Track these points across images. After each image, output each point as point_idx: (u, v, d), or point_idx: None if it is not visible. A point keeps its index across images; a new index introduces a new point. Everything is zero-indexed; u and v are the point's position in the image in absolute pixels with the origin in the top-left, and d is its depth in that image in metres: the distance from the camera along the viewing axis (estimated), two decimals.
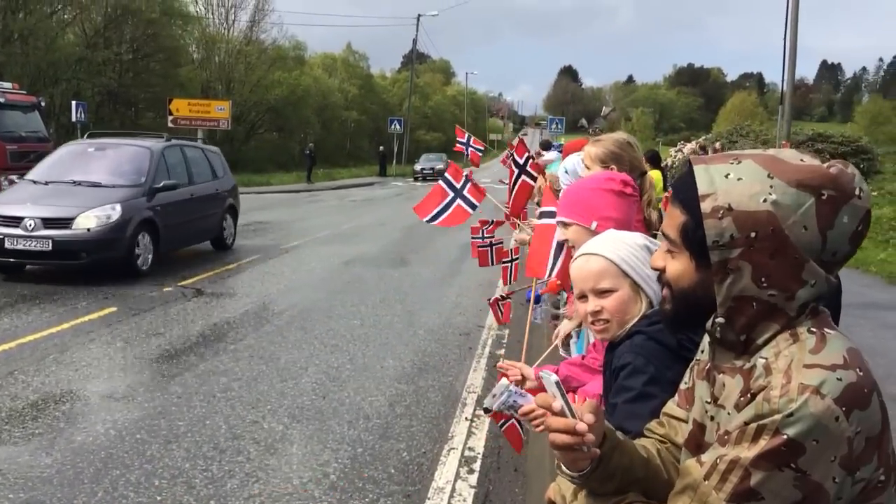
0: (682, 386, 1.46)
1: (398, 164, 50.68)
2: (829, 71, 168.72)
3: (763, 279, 1.17)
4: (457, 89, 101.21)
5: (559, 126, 40.05)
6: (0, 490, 4.07)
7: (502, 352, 7.24)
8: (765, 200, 1.15)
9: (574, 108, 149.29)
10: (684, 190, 1.24)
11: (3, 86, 19.14)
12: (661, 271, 1.31)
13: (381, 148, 50.00)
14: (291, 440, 4.90)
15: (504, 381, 2.21)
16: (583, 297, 1.82)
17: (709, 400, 1.29)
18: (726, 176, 1.19)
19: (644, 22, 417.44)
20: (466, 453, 4.77)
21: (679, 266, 1.26)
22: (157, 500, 4.03)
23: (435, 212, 4.61)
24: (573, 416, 1.28)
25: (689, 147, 29.85)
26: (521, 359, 3.07)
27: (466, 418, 5.39)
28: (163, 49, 42.26)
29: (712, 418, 1.26)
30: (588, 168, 3.04)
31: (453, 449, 4.83)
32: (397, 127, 48.74)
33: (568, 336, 3.88)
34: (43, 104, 20.25)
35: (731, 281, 1.18)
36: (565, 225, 2.40)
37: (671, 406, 1.49)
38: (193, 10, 48.35)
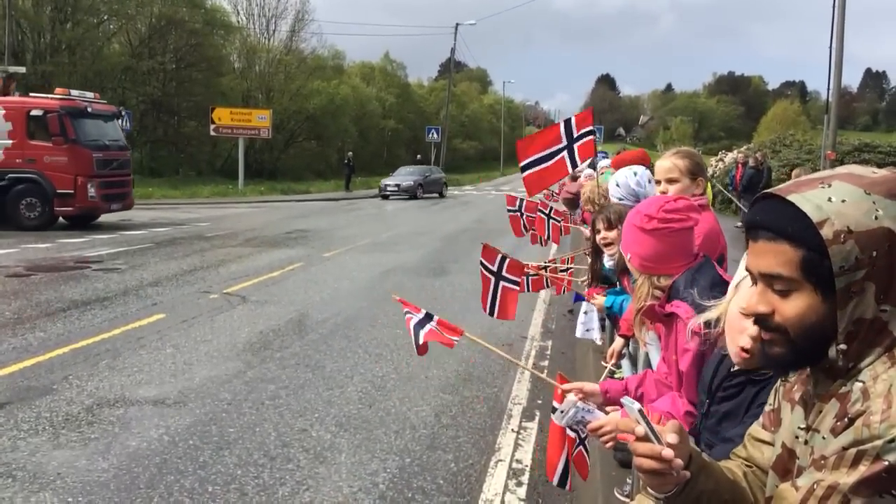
0: (767, 408, 1.45)
1: None
2: (874, 79, 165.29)
3: (882, 296, 1.16)
4: (493, 98, 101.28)
5: (597, 135, 39.94)
6: (60, 494, 4.17)
7: (546, 363, 7.22)
8: (876, 217, 1.15)
9: (611, 117, 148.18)
10: (785, 223, 1.20)
11: (87, 95, 19.84)
12: (767, 316, 1.24)
13: (419, 157, 50.21)
14: (340, 449, 4.94)
15: (571, 396, 2.22)
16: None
17: (802, 426, 1.28)
18: (829, 200, 1.18)
19: (685, 30, 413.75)
20: (514, 465, 4.77)
21: (801, 303, 1.21)
22: None
23: (489, 302, 4.62)
24: (658, 441, 1.29)
25: (730, 156, 29.48)
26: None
27: (513, 430, 5.38)
28: (205, 59, 43.05)
29: (806, 442, 1.26)
30: (676, 181, 3.09)
31: (501, 461, 4.83)
32: (435, 136, 48.95)
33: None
34: (123, 113, 20.89)
35: (855, 304, 1.17)
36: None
37: (756, 428, 1.48)
38: (235, 20, 49.22)
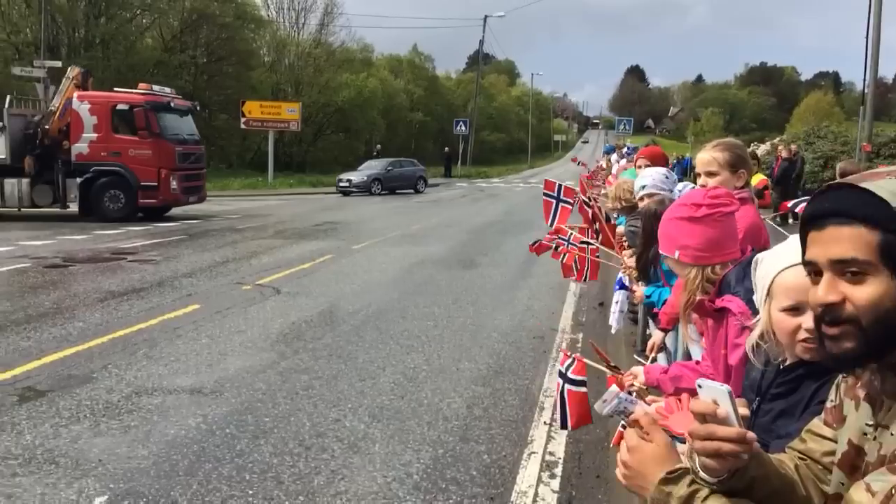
0: (829, 404, 1.44)
1: (463, 166, 50.83)
2: None
3: None
4: (521, 90, 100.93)
5: (627, 127, 39.57)
6: (102, 480, 4.27)
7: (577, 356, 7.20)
8: None
9: (640, 109, 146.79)
10: (860, 207, 1.18)
11: (165, 91, 20.37)
12: (837, 306, 1.20)
13: (447, 149, 50.21)
14: (373, 439, 4.99)
15: (614, 387, 2.23)
16: (794, 310, 1.73)
17: (871, 423, 1.27)
18: None
19: (716, 20, 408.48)
20: (547, 458, 4.78)
21: (876, 289, 1.17)
22: (248, 494, 4.16)
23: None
24: (740, 423, 1.27)
25: (762, 148, 29.10)
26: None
27: (545, 423, 5.39)
28: (235, 52, 43.40)
29: (874, 439, 1.25)
30: (716, 174, 3.06)
31: (534, 453, 4.85)
32: (463, 128, 48.90)
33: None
34: (198, 108, 21.53)
35: None
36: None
37: (816, 423, 1.47)
38: (265, 14, 49.53)
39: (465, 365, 6.74)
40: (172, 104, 19.68)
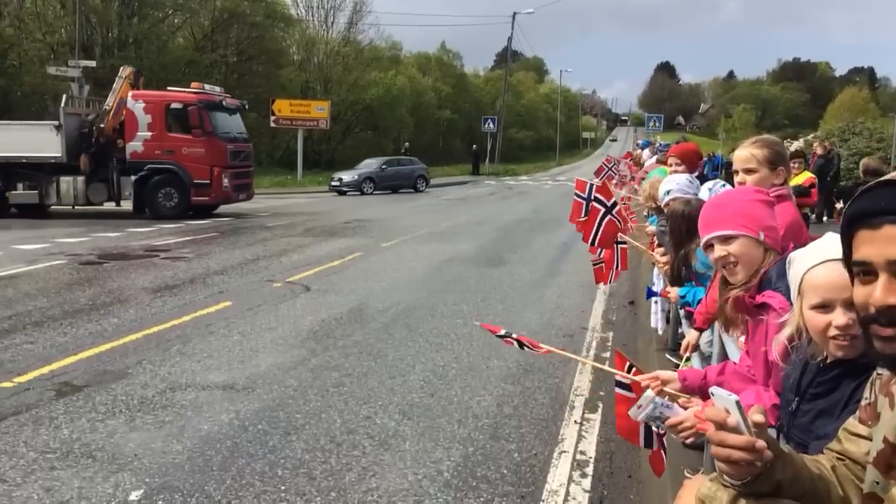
0: (864, 402, 1.43)
1: (491, 163, 50.74)
2: None
3: None
4: (550, 87, 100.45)
5: (657, 124, 39.23)
6: (137, 474, 4.33)
7: (607, 355, 7.16)
8: None
9: (670, 106, 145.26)
10: None
11: (215, 90, 20.75)
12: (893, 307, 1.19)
13: (475, 147, 50.15)
14: (404, 436, 5.00)
15: (649, 392, 2.22)
16: (826, 307, 1.72)
17: None
18: None
19: (748, 15, 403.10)
20: (578, 457, 4.76)
21: None
22: (280, 489, 4.20)
23: (592, 234, 5.15)
24: (749, 431, 1.28)
25: (795, 144, 28.66)
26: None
27: (576, 421, 5.37)
28: (265, 51, 43.78)
29: None
30: (754, 171, 3.03)
31: (564, 452, 4.83)
32: (491, 125, 48.81)
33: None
34: (246, 107, 22.03)
35: None
36: (726, 239, 2.37)
37: (852, 422, 1.46)
38: (294, 12, 49.87)
39: (495, 363, 6.74)
40: (224, 103, 20.06)
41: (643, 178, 8.15)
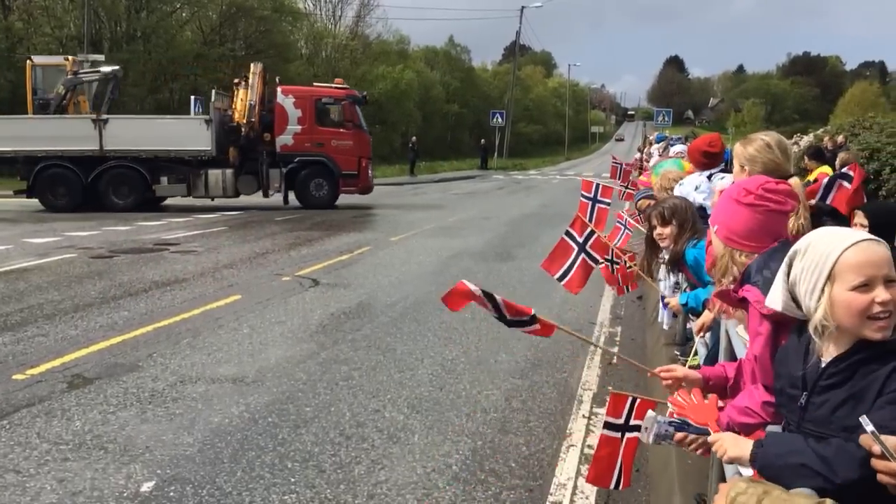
0: None
1: (499, 158, 50.69)
2: None
3: None
4: (558, 81, 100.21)
5: (666, 118, 39.08)
6: (149, 466, 4.38)
7: (615, 350, 7.17)
8: None
9: (679, 100, 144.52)
10: None
11: (344, 85, 21.58)
12: None
13: (483, 141, 50.09)
14: (412, 430, 5.03)
15: (650, 413, 2.23)
16: (867, 285, 1.69)
17: None
18: None
19: (757, 9, 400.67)
20: (586, 451, 4.77)
21: None
22: (290, 481, 4.23)
23: (563, 270, 4.77)
24: (893, 457, 1.41)
25: (805, 139, 28.51)
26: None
27: (583, 416, 5.39)
28: (273, 45, 43.77)
29: None
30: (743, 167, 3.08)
31: (572, 446, 4.85)
32: (499, 120, 48.74)
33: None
34: (366, 100, 22.73)
35: None
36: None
37: None
38: (302, 6, 49.87)
39: (503, 357, 6.76)
40: (364, 97, 21.13)
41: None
